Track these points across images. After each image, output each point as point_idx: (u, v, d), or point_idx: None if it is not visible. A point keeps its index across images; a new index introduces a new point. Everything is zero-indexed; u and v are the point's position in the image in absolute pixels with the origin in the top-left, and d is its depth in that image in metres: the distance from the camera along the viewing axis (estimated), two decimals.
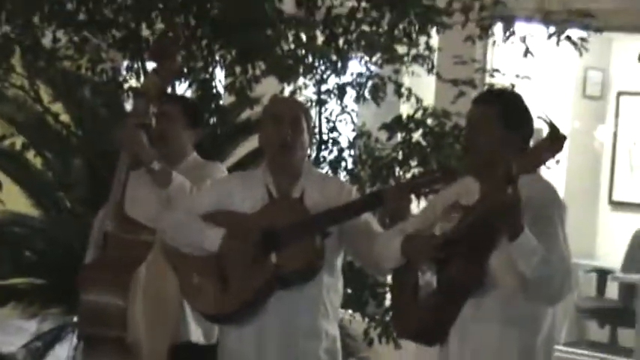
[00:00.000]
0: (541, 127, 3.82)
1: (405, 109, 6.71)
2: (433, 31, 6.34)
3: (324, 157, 6.46)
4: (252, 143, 6.13)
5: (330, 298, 4.18)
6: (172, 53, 4.81)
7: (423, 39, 6.29)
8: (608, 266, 9.65)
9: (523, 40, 6.26)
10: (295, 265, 4.03)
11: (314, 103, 6.43)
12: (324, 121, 6.52)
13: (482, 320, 3.73)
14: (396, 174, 6.24)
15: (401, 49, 6.28)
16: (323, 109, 6.49)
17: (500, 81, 6.43)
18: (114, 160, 4.78)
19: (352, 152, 6.53)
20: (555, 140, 3.49)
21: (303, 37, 6.13)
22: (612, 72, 10.13)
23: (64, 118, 6.49)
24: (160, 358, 4.55)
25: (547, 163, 3.53)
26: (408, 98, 6.50)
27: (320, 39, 6.20)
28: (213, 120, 6.17)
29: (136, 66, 6.24)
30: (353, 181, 6.02)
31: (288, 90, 6.48)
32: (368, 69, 6.42)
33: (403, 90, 6.49)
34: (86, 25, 6.04)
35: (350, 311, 6.40)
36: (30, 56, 6.02)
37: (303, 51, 6.13)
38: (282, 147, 4.17)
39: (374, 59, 6.34)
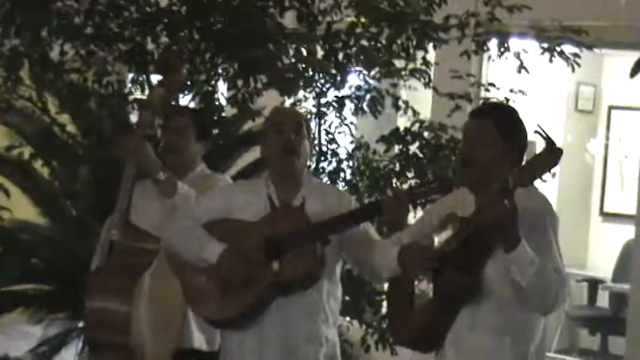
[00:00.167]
0: (534, 140, 3.83)
1: (403, 121, 6.73)
2: (430, 46, 6.35)
3: (323, 168, 6.46)
4: (253, 154, 6.15)
5: (329, 304, 4.19)
6: (177, 67, 4.83)
7: (420, 54, 6.29)
8: (599, 276, 9.65)
9: (517, 55, 6.27)
10: (296, 272, 4.04)
11: (314, 116, 6.44)
12: (323, 132, 6.53)
13: (477, 329, 3.73)
14: (394, 185, 6.26)
15: (399, 64, 6.29)
16: (322, 122, 6.50)
17: (495, 95, 6.44)
18: (119, 170, 4.79)
19: (351, 163, 6.55)
20: (552, 154, 3.49)
21: (304, 51, 6.14)
22: (603, 87, 10.14)
23: (71, 128, 6.49)
24: None
25: (543, 176, 3.55)
26: (406, 111, 6.51)
27: (320, 53, 6.20)
28: (215, 131, 6.17)
29: (140, 79, 6.26)
30: (351, 192, 6.02)
31: (288, 103, 6.48)
32: (366, 82, 6.43)
33: (401, 103, 6.51)
34: (93, 38, 6.05)
35: (348, 318, 6.40)
36: (38, 69, 6.03)
37: (304, 65, 6.14)
38: (285, 151, 4.17)
39: (372, 73, 6.34)
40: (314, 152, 6.21)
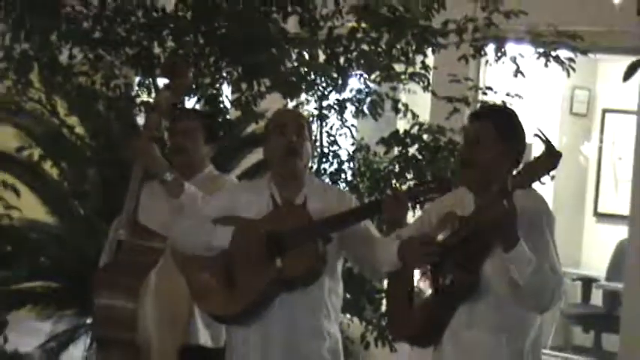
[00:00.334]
0: (531, 143, 3.84)
1: (402, 124, 6.74)
2: (429, 51, 6.35)
3: (324, 169, 6.47)
4: (256, 156, 6.16)
5: (331, 300, 4.19)
6: (183, 70, 4.83)
7: (419, 58, 6.30)
8: (593, 274, 9.66)
9: (514, 60, 6.28)
10: (299, 269, 4.04)
11: (315, 118, 6.44)
12: (324, 134, 6.53)
13: (475, 325, 3.74)
14: (393, 186, 6.26)
15: (398, 68, 6.29)
16: (324, 124, 6.51)
17: (492, 99, 6.45)
18: (126, 171, 4.80)
19: (351, 165, 6.55)
20: (551, 157, 3.50)
21: (306, 55, 6.15)
22: (598, 91, 10.15)
23: (80, 130, 6.49)
24: (169, 359, 4.56)
25: (542, 178, 3.55)
26: (405, 114, 6.51)
27: (322, 57, 6.22)
28: (220, 133, 6.18)
29: (147, 82, 6.27)
30: (352, 192, 6.00)
31: (291, 105, 6.49)
32: (367, 86, 6.43)
33: (400, 106, 6.51)
34: (101, 43, 6.06)
35: (348, 315, 6.40)
36: (47, 72, 6.04)
37: (306, 69, 6.15)
38: (288, 153, 4.18)
39: (373, 77, 6.35)
40: (315, 154, 6.22)
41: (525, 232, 3.59)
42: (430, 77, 6.41)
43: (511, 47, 6.34)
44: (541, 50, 6.22)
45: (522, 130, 3.84)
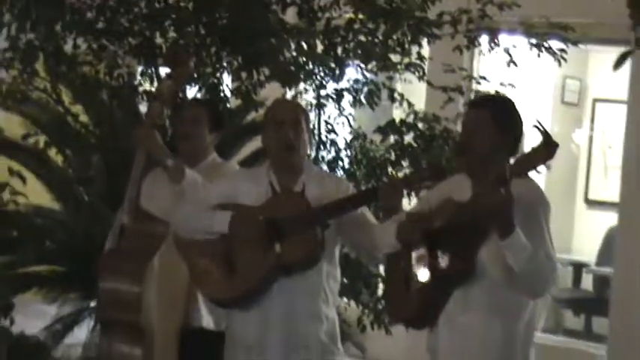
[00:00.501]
0: (524, 132, 3.84)
1: (398, 113, 6.74)
2: (424, 42, 6.36)
3: (322, 157, 6.47)
4: (256, 143, 6.16)
5: (329, 284, 4.20)
6: (185, 60, 4.83)
7: (414, 48, 6.30)
8: (584, 260, 9.67)
9: (507, 50, 6.28)
10: (298, 254, 4.05)
11: (313, 107, 6.45)
12: (322, 123, 6.53)
13: (470, 308, 3.74)
14: (389, 173, 6.27)
15: (394, 58, 6.29)
16: (322, 113, 6.51)
17: (486, 88, 6.45)
18: (129, 158, 4.80)
19: (349, 153, 6.56)
20: (548, 147, 3.50)
21: (304, 45, 6.14)
22: (589, 81, 10.15)
23: (84, 118, 6.49)
24: (170, 340, 4.55)
25: (538, 168, 3.56)
26: (401, 103, 6.52)
27: (320, 48, 6.21)
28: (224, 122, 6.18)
29: (150, 71, 6.25)
30: (349, 180, 6.01)
31: (289, 94, 6.49)
32: (364, 76, 6.44)
33: (396, 95, 6.52)
34: (104, 33, 6.05)
35: (345, 299, 6.41)
36: (52, 62, 6.03)
37: (304, 58, 6.15)
38: (283, 147, 4.18)
39: (369, 67, 6.35)
40: (314, 142, 6.22)
41: (521, 219, 3.58)
42: (425, 67, 6.40)
43: (504, 38, 6.34)
44: (533, 41, 6.22)
45: (520, 119, 3.83)
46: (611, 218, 8.91)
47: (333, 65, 6.22)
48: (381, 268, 5.86)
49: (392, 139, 6.36)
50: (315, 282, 4.14)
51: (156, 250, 4.51)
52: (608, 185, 9.56)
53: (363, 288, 6.37)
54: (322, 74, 6.31)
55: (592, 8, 7.40)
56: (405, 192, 4.15)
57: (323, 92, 6.43)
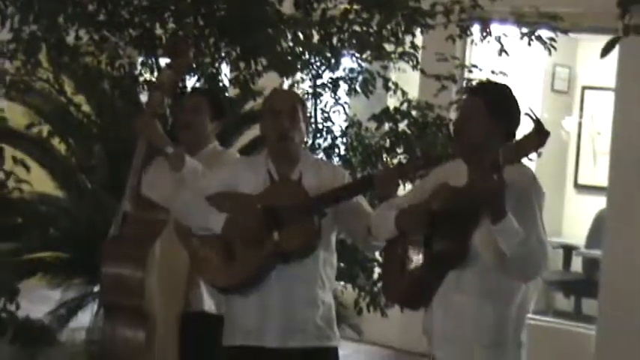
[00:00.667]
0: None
1: (392, 101, 6.74)
2: (418, 31, 6.36)
3: (319, 145, 6.48)
4: (254, 132, 6.16)
5: (325, 271, 4.19)
6: (184, 50, 4.82)
7: (408, 38, 6.30)
8: (574, 243, 9.67)
9: (498, 39, 6.28)
10: (295, 242, 4.04)
11: (310, 96, 6.45)
12: (319, 111, 6.54)
13: (463, 291, 3.74)
14: (384, 160, 6.27)
15: (389, 47, 6.29)
16: (318, 101, 6.52)
17: (477, 76, 6.45)
18: (131, 146, 4.79)
19: (344, 140, 6.56)
20: (540, 135, 3.50)
21: (301, 36, 6.14)
22: (578, 69, 10.14)
23: (86, 108, 6.50)
24: (171, 324, 4.56)
25: (530, 155, 3.55)
26: (395, 92, 6.53)
27: (316, 38, 6.21)
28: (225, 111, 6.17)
29: (150, 62, 6.25)
30: (345, 167, 6.04)
31: (287, 84, 6.49)
32: (359, 65, 6.44)
33: (390, 84, 6.53)
34: (105, 24, 6.04)
35: (342, 283, 6.43)
36: (55, 53, 6.01)
37: (301, 48, 6.14)
38: (280, 137, 4.17)
39: (364, 56, 6.35)
40: (310, 130, 6.22)
41: (514, 204, 3.57)
42: (419, 56, 6.41)
43: (495, 27, 6.34)
44: (524, 30, 6.23)
45: (515, 107, 3.79)
46: (600, 202, 8.91)
47: (328, 55, 6.22)
48: (377, 254, 5.88)
49: (386, 126, 6.37)
50: (312, 269, 4.13)
51: (157, 236, 4.51)
52: (597, 170, 9.56)
53: (359, 272, 6.38)
54: (318, 64, 6.31)
55: None
56: (399, 180, 4.15)
57: (319, 81, 6.44)
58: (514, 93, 3.85)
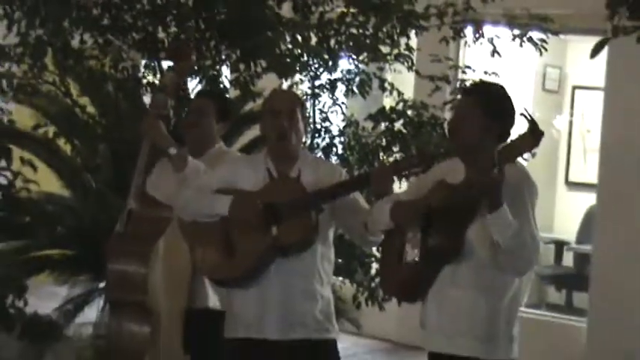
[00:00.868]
0: None
1: (388, 101, 6.75)
2: (412, 34, 6.36)
3: (317, 144, 6.49)
4: (254, 132, 6.17)
5: (323, 265, 4.18)
6: (187, 53, 4.83)
7: (403, 40, 6.30)
8: (565, 238, 9.67)
9: (490, 41, 6.29)
10: (294, 237, 4.04)
11: (309, 97, 6.46)
12: (317, 112, 6.55)
13: (458, 285, 3.74)
14: (381, 158, 6.28)
15: (384, 49, 6.30)
16: (316, 102, 6.52)
17: (471, 77, 6.46)
18: (134, 147, 4.80)
19: (342, 139, 6.57)
20: (534, 135, 3.50)
21: (299, 38, 6.14)
22: (568, 69, 10.14)
23: (91, 110, 6.50)
24: (175, 319, 4.55)
25: (525, 154, 3.55)
26: (391, 92, 6.53)
27: (314, 40, 6.21)
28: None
29: (153, 64, 6.26)
30: (343, 165, 6.04)
31: (285, 85, 6.49)
32: (356, 66, 6.45)
33: (386, 85, 6.53)
34: (109, 28, 6.05)
35: (340, 278, 6.43)
36: (60, 56, 6.03)
37: (299, 51, 6.15)
38: (279, 137, 4.18)
39: (361, 58, 6.36)
40: (309, 130, 6.23)
41: (508, 201, 3.57)
42: (414, 58, 6.41)
43: (488, 29, 6.35)
44: (516, 32, 6.23)
45: (510, 107, 3.78)
46: (590, 199, 8.92)
47: (326, 57, 6.22)
48: (374, 249, 5.89)
49: (383, 125, 6.38)
50: (310, 263, 4.13)
51: (161, 233, 4.51)
52: (587, 168, 9.57)
53: (357, 267, 6.39)
54: (316, 65, 6.32)
55: (570, 0, 7.41)
56: (395, 178, 4.16)
57: (317, 82, 6.44)
58: (509, 93, 3.85)
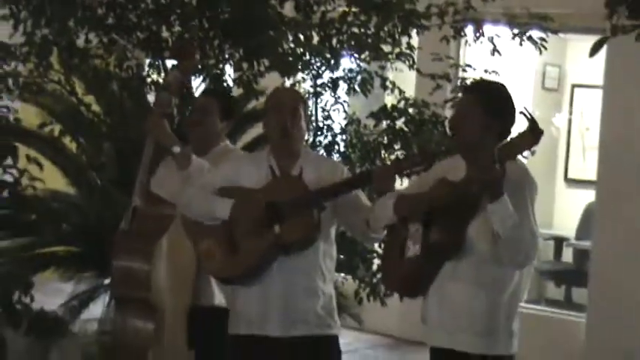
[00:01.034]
0: None
1: (390, 100, 6.73)
2: (414, 33, 6.35)
3: (319, 142, 6.48)
4: (257, 130, 6.16)
5: (325, 263, 4.18)
6: (191, 52, 4.81)
7: (404, 39, 6.29)
8: (564, 234, 9.67)
9: (491, 40, 6.28)
10: (296, 235, 4.04)
11: (311, 95, 6.45)
12: (319, 110, 6.54)
13: (458, 280, 3.75)
14: (382, 156, 6.27)
15: (386, 48, 6.28)
16: (319, 100, 6.51)
17: (471, 75, 6.45)
18: (139, 145, 4.79)
19: (344, 137, 6.56)
20: (534, 133, 3.49)
21: (301, 37, 6.13)
22: (567, 67, 10.13)
23: (96, 108, 6.49)
24: (179, 316, 4.55)
25: (524, 153, 3.55)
26: (392, 90, 6.52)
27: (316, 39, 6.20)
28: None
29: (157, 63, 6.25)
30: (345, 163, 6.02)
31: (288, 83, 6.49)
32: (358, 65, 6.43)
33: (388, 83, 6.52)
34: (114, 28, 6.03)
35: (342, 274, 6.43)
36: (66, 55, 6.02)
37: (302, 49, 6.13)
38: (282, 134, 4.16)
39: (363, 57, 6.35)
40: (311, 128, 6.22)
41: (508, 198, 3.57)
42: (415, 56, 6.40)
43: (488, 28, 6.33)
44: (516, 31, 6.21)
45: (510, 105, 3.77)
46: (589, 195, 8.92)
47: (328, 56, 6.21)
48: (376, 245, 5.88)
49: (384, 124, 6.36)
50: (312, 261, 4.13)
51: (165, 230, 4.51)
52: (586, 165, 9.56)
53: (359, 264, 6.38)
54: (318, 64, 6.31)
55: None
56: (396, 175, 4.14)
57: (319, 81, 6.43)
58: (509, 91, 3.84)
